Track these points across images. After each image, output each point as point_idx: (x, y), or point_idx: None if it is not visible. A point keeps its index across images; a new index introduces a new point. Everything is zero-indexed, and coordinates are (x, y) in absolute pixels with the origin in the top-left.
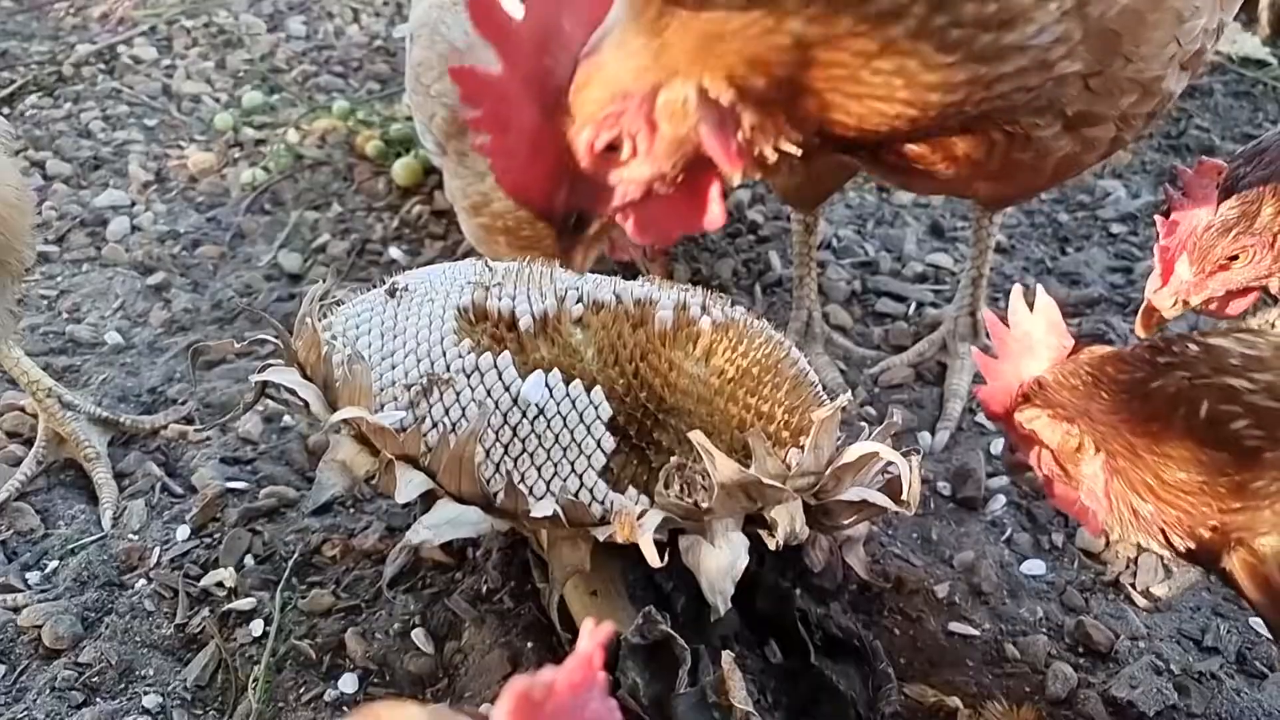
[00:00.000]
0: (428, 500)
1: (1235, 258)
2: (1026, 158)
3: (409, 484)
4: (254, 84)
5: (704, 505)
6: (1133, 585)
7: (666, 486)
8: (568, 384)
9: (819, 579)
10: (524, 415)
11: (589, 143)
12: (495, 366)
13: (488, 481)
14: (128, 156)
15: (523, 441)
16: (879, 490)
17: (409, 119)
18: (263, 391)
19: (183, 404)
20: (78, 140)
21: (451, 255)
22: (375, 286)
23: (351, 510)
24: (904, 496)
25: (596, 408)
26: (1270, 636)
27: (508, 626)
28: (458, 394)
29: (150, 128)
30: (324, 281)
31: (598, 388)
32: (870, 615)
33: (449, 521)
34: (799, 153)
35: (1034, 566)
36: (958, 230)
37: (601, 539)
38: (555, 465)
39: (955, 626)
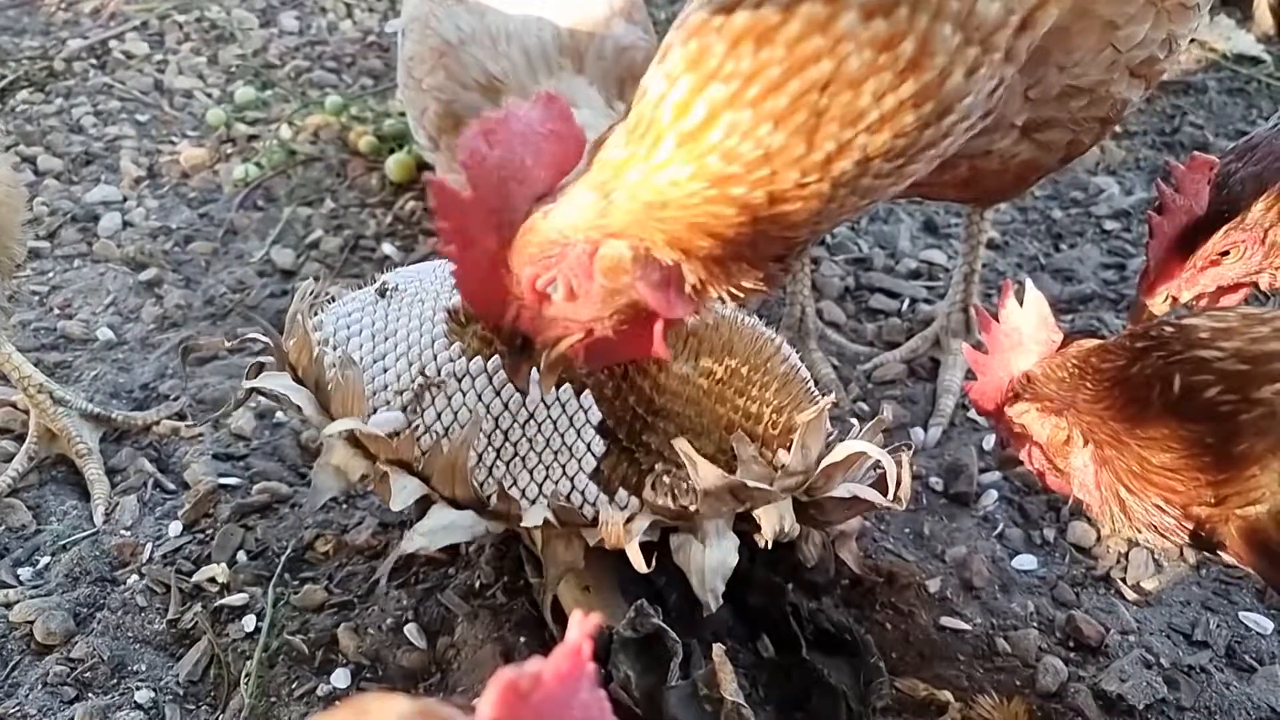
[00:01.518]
0: (422, 502)
1: (1226, 253)
2: (991, 166)
3: (403, 491)
4: (246, 79)
5: (692, 509)
6: (1123, 580)
7: (655, 493)
8: (558, 387)
9: (811, 574)
10: (515, 419)
11: (530, 280)
12: (486, 370)
13: (480, 485)
14: (119, 152)
15: (514, 445)
16: (870, 485)
17: (402, 115)
18: (253, 390)
19: (175, 400)
20: (69, 136)
21: None
22: (367, 283)
23: (344, 506)
24: (894, 494)
25: (586, 411)
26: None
27: (500, 622)
28: (449, 398)
29: (142, 123)
30: (315, 280)
31: (587, 391)
32: (862, 610)
33: (444, 527)
34: (764, 286)
35: (1025, 561)
36: (952, 227)
37: (592, 543)
38: (546, 468)
39: (946, 621)
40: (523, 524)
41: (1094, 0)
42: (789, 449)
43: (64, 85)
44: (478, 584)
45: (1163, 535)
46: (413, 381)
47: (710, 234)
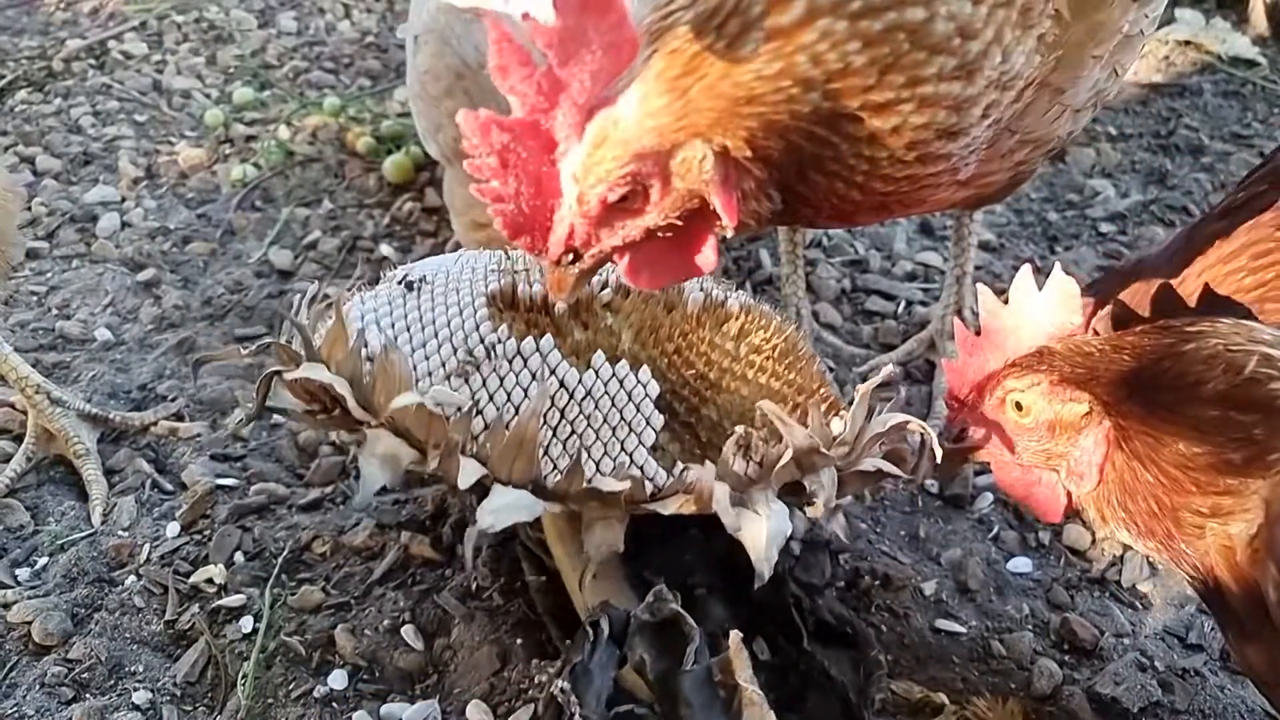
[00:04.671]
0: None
1: None
2: (924, 208)
3: (467, 469)
4: (245, 80)
5: (764, 475)
6: (1118, 583)
7: (731, 458)
8: (614, 364)
9: (806, 575)
10: (571, 397)
11: (601, 197)
12: (538, 350)
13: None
14: (118, 152)
15: (571, 423)
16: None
17: (400, 115)
18: (268, 390)
19: (173, 401)
20: (68, 136)
21: (442, 251)
22: (364, 281)
23: (341, 507)
24: (922, 464)
25: (645, 386)
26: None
27: (497, 623)
28: (502, 379)
29: (140, 123)
30: (317, 282)
31: (645, 368)
32: (857, 612)
33: (508, 506)
34: (768, 216)
35: (1020, 564)
36: (948, 229)
37: (666, 514)
38: (605, 445)
39: (942, 623)
40: (604, 493)
41: (1050, 72)
42: (842, 420)
43: (62, 85)
44: (474, 586)
45: (1145, 535)
46: (461, 363)
47: (781, 135)
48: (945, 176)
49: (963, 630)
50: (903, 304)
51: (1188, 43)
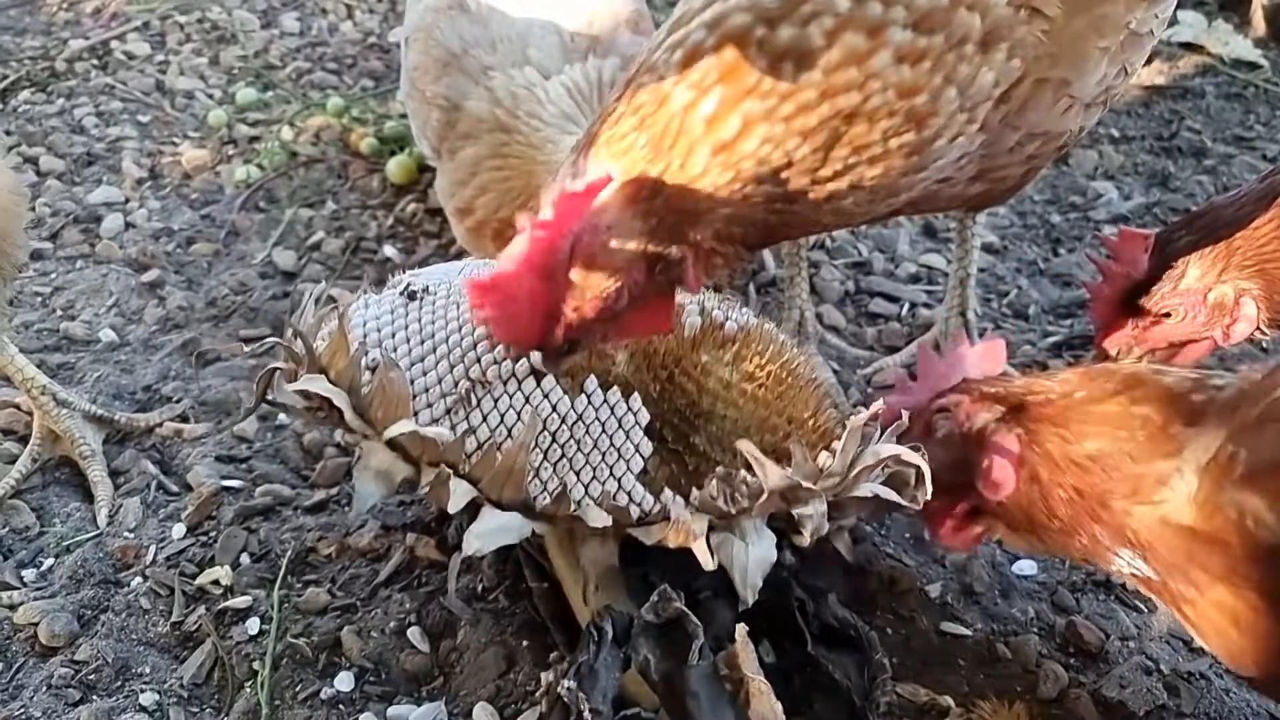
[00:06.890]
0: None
1: (1169, 314)
2: (939, 202)
3: (457, 493)
4: (248, 80)
5: (747, 508)
6: (1123, 585)
7: (714, 495)
8: (605, 390)
9: (812, 579)
10: (563, 421)
11: (595, 305)
12: (533, 374)
13: (527, 487)
14: (121, 153)
15: (562, 447)
16: (881, 484)
17: (403, 116)
18: (266, 392)
19: (178, 402)
20: (71, 136)
21: (445, 253)
22: (370, 285)
23: (345, 509)
24: (917, 494)
25: (635, 414)
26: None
27: (503, 625)
28: (495, 401)
29: (144, 124)
30: (324, 281)
31: (635, 395)
32: (862, 615)
33: (496, 529)
34: (743, 269)
35: (1025, 566)
36: (951, 231)
37: (649, 543)
38: (594, 470)
39: (947, 626)
40: (589, 526)
41: (1052, 68)
42: (829, 453)
43: (66, 86)
44: (480, 588)
45: (1071, 532)
46: (456, 384)
47: (746, 223)
48: (934, 186)
49: (968, 633)
50: (906, 306)
51: (1189, 45)
